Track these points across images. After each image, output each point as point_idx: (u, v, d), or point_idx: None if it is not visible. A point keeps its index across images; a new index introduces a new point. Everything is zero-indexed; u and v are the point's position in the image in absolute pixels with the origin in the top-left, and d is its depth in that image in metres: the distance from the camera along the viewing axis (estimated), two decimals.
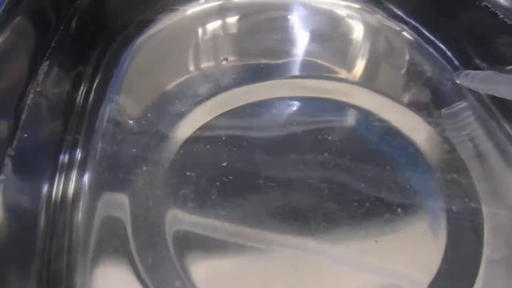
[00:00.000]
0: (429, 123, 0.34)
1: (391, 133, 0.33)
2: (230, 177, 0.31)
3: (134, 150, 0.32)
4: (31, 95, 0.28)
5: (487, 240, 0.28)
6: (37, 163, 0.29)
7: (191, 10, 0.39)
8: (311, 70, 0.37)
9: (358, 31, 0.39)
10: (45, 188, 0.29)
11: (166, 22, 0.39)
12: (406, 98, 0.35)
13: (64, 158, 0.31)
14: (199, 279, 0.27)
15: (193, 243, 0.28)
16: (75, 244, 0.28)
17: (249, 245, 0.28)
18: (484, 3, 0.32)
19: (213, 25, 0.39)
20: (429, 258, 0.28)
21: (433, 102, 0.35)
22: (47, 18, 0.31)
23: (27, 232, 0.26)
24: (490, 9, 0.32)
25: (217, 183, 0.30)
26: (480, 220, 0.29)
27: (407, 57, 0.37)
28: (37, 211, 0.28)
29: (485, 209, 0.30)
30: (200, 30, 0.39)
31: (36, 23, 0.29)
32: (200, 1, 0.39)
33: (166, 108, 0.34)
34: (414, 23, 0.38)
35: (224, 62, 0.37)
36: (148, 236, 0.28)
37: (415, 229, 0.29)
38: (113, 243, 0.28)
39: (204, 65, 0.38)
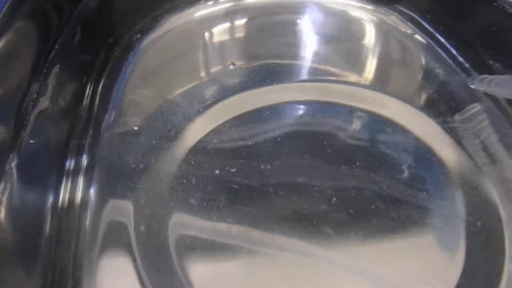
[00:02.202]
0: (443, 127, 0.33)
1: (404, 138, 0.32)
2: (238, 184, 0.30)
3: (140, 156, 0.32)
4: (34, 100, 0.28)
5: (509, 252, 0.27)
6: (43, 169, 0.29)
7: (198, 13, 0.39)
8: (321, 73, 0.36)
9: (370, 33, 0.38)
10: (51, 194, 0.29)
11: (172, 25, 0.39)
12: (419, 101, 0.34)
13: (70, 164, 0.31)
14: (203, 285, 0.27)
15: (199, 249, 0.28)
16: (81, 249, 0.28)
17: (257, 251, 0.28)
18: (500, 4, 0.31)
19: (220, 28, 0.39)
20: (447, 270, 0.27)
21: (447, 106, 0.34)
22: (50, 21, 0.31)
23: (32, 237, 0.26)
24: (507, 10, 0.31)
25: (225, 190, 0.30)
26: (500, 230, 0.28)
27: (419, 60, 0.37)
28: (43, 217, 0.28)
29: (505, 217, 0.29)
30: (207, 34, 0.39)
31: (39, 26, 0.29)
32: (208, 4, 0.39)
33: (172, 113, 0.34)
34: (427, 25, 0.38)
35: (231, 67, 0.36)
36: (152, 241, 0.28)
37: (432, 239, 0.28)
38: (118, 249, 0.28)
39: (211, 69, 0.37)
